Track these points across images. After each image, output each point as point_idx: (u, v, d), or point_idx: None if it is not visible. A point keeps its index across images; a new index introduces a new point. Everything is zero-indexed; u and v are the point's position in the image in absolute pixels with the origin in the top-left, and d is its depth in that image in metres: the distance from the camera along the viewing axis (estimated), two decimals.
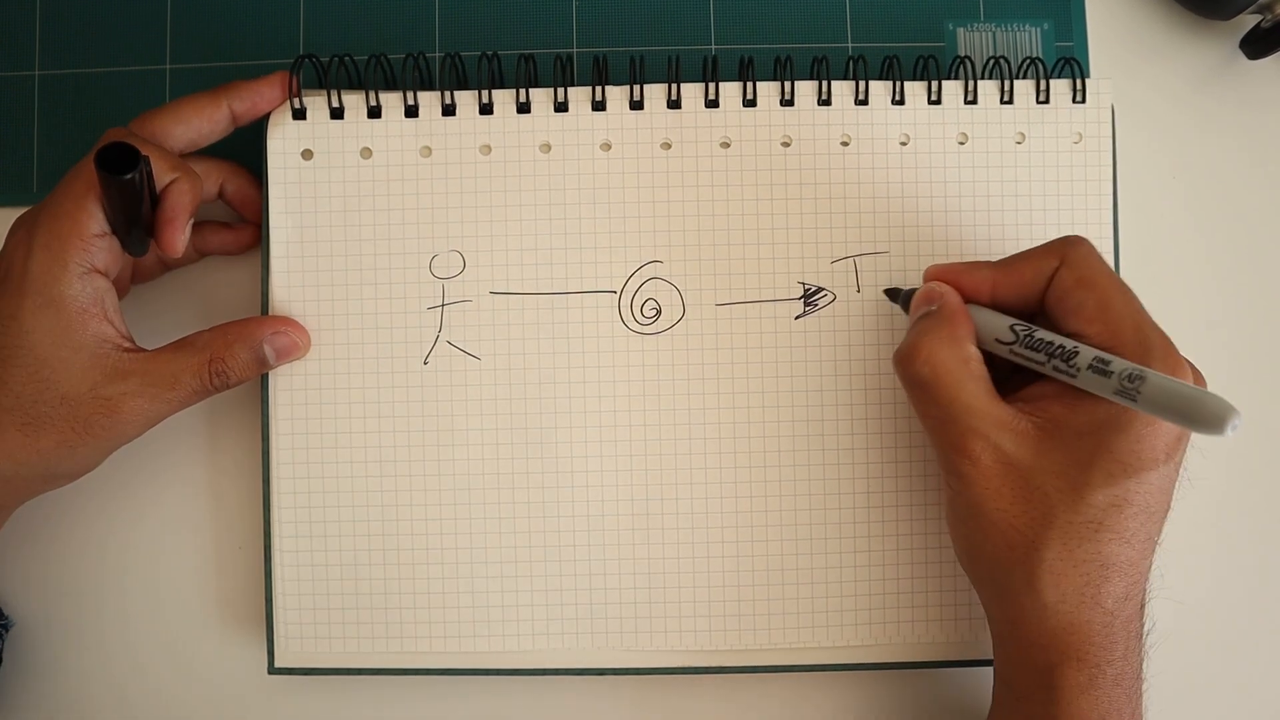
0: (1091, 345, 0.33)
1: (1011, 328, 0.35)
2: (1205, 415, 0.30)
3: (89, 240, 0.37)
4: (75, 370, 0.37)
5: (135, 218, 0.37)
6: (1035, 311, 0.36)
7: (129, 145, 0.34)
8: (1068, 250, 0.35)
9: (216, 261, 0.45)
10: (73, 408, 0.37)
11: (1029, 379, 0.36)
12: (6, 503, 0.39)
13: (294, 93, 0.41)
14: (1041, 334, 0.34)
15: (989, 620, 0.38)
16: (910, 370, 0.35)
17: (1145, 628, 0.36)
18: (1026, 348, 0.35)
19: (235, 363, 0.39)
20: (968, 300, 0.36)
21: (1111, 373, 0.32)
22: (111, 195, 0.36)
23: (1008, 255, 0.37)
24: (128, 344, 0.38)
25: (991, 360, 0.36)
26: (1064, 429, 0.33)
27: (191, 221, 0.39)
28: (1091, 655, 0.34)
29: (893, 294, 0.40)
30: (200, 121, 0.40)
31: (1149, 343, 0.33)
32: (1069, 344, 0.33)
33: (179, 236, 0.38)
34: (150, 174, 0.37)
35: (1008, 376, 0.36)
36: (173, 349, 0.39)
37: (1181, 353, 0.33)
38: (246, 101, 0.40)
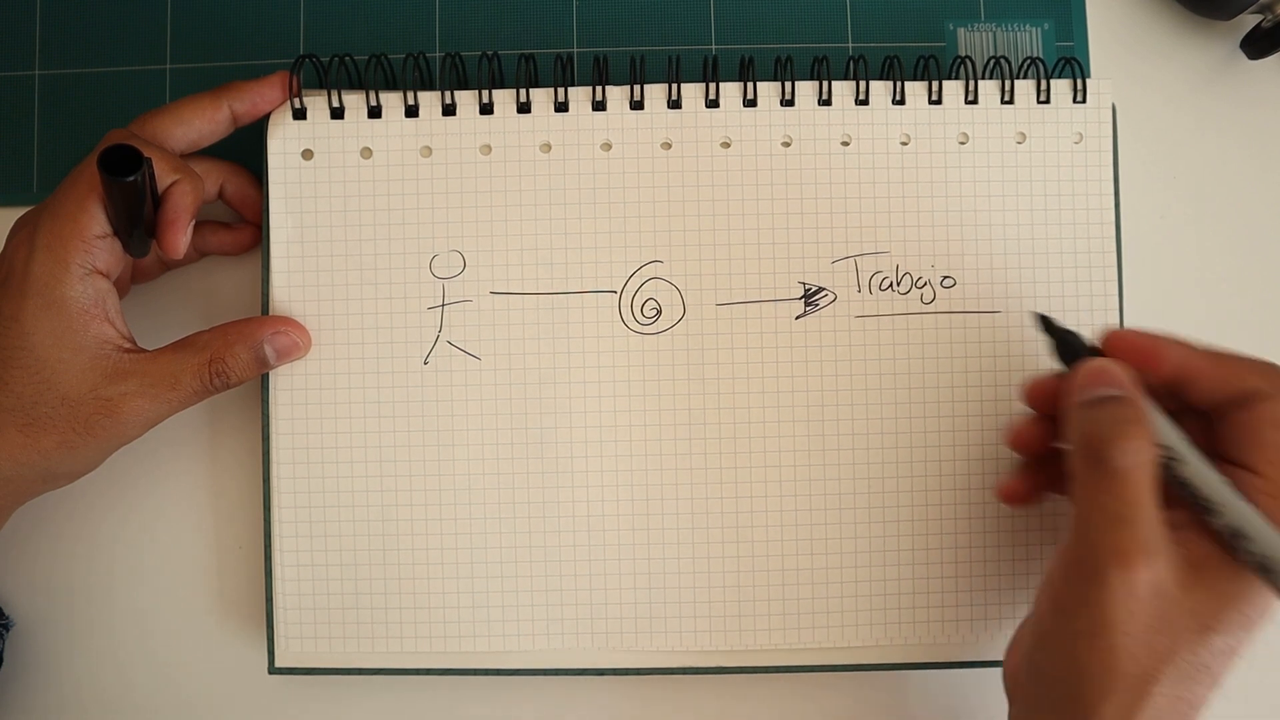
0: (1261, 482, 0.32)
1: (1168, 450, 0.33)
2: None
3: (91, 242, 0.37)
4: (76, 371, 0.37)
5: (137, 219, 0.37)
6: (1209, 415, 0.34)
7: (132, 147, 0.34)
8: None
9: (216, 261, 0.45)
10: (73, 408, 0.37)
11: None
12: (6, 503, 0.39)
13: (294, 93, 0.41)
14: (1194, 474, 0.33)
15: None
16: (1109, 453, 0.32)
17: None
18: (1174, 476, 0.33)
19: (236, 363, 0.39)
20: (1141, 371, 0.34)
21: (1245, 550, 0.31)
22: (114, 197, 0.36)
23: (1211, 346, 0.34)
24: (128, 345, 0.38)
25: None
26: (1209, 568, 0.32)
27: (193, 223, 0.39)
28: None
29: (1048, 325, 0.36)
30: (201, 122, 0.40)
31: None
32: (1215, 498, 0.32)
33: (181, 238, 0.38)
34: (152, 176, 0.37)
35: None
36: (173, 349, 0.39)
37: None
38: (247, 102, 0.40)
